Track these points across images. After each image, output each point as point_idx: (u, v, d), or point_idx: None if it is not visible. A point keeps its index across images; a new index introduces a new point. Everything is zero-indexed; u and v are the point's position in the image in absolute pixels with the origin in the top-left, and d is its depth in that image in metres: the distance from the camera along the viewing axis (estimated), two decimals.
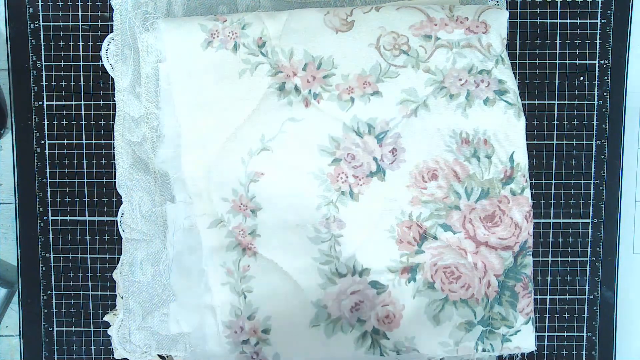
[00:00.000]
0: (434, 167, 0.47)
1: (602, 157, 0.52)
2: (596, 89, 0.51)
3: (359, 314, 0.47)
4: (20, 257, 0.53)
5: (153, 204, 0.50)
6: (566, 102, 0.51)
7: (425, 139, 0.47)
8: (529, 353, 0.51)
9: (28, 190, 0.52)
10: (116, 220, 0.52)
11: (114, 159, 0.51)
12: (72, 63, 0.51)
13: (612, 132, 0.52)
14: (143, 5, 0.49)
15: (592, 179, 0.52)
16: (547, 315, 0.53)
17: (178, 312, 0.49)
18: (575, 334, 0.53)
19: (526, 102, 0.51)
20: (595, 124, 0.52)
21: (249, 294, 0.47)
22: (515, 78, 0.48)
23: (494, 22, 0.46)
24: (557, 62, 0.51)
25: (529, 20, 0.51)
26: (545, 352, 0.53)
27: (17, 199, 0.52)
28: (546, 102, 0.51)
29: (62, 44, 0.51)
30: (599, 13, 0.51)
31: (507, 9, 0.50)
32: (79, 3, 0.51)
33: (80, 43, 0.51)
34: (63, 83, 0.51)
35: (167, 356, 0.51)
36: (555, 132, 0.52)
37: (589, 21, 0.51)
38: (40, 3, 0.51)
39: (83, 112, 0.52)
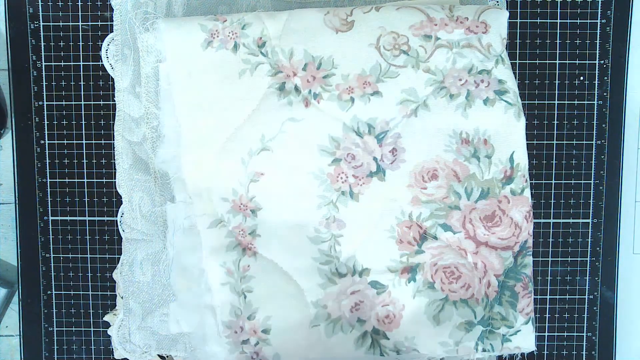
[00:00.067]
0: (434, 167, 0.47)
1: (602, 157, 0.52)
2: (596, 89, 0.51)
3: (359, 314, 0.47)
4: (20, 257, 0.53)
5: (153, 204, 0.50)
6: (566, 102, 0.51)
7: (425, 139, 0.47)
8: (529, 353, 0.51)
9: (28, 190, 0.52)
10: (116, 220, 0.52)
11: (114, 159, 0.51)
12: (72, 63, 0.51)
13: (612, 132, 0.52)
14: (143, 5, 0.49)
15: (592, 179, 0.52)
16: (547, 315, 0.53)
17: (178, 312, 0.49)
18: (575, 334, 0.53)
19: (526, 102, 0.51)
20: (595, 124, 0.52)
21: (249, 294, 0.47)
22: (515, 78, 0.48)
23: (494, 22, 0.46)
24: (557, 62, 0.51)
25: (529, 20, 0.51)
26: (545, 352, 0.53)
27: (17, 199, 0.52)
28: (546, 102, 0.51)
29: (62, 44, 0.51)
30: (599, 13, 0.51)
31: (507, 9, 0.50)
32: (79, 3, 0.51)
33: (80, 43, 0.51)
34: (63, 83, 0.51)
35: (167, 356, 0.51)
36: (555, 132, 0.52)
37: (589, 21, 0.51)
38: (40, 3, 0.51)
39: (83, 112, 0.52)
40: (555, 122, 0.52)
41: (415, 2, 0.48)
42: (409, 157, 0.47)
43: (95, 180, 0.52)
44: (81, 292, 0.53)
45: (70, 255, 0.52)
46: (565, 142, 0.52)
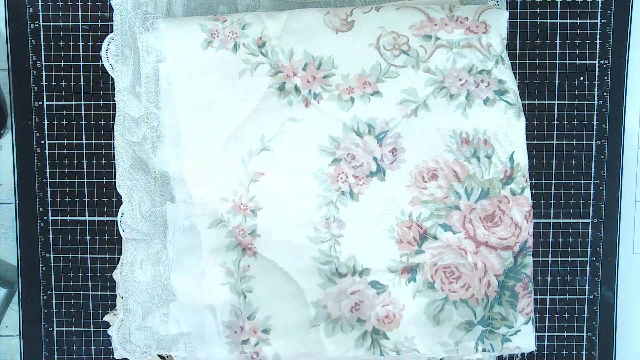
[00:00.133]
0: (434, 167, 0.47)
1: (602, 157, 0.52)
2: (596, 89, 0.51)
3: (359, 314, 0.47)
4: (20, 257, 0.53)
5: (153, 204, 0.50)
6: (566, 102, 0.51)
7: (425, 139, 0.47)
8: (529, 353, 0.51)
9: (28, 190, 0.52)
10: (116, 220, 0.52)
11: (114, 159, 0.51)
12: (72, 63, 0.51)
13: (612, 132, 0.52)
14: (143, 5, 0.49)
15: (592, 179, 0.52)
16: (547, 315, 0.53)
17: (178, 312, 0.49)
18: (575, 334, 0.53)
19: (526, 102, 0.51)
20: (595, 124, 0.52)
21: (249, 294, 0.47)
22: (515, 78, 0.48)
23: (494, 22, 0.46)
24: (557, 62, 0.51)
25: (529, 20, 0.51)
26: (545, 352, 0.53)
27: (17, 199, 0.52)
28: (546, 102, 0.51)
29: (62, 44, 0.51)
30: (599, 13, 0.51)
31: (507, 9, 0.50)
32: (79, 3, 0.51)
33: (80, 43, 0.51)
34: (63, 83, 0.51)
35: (167, 356, 0.51)
36: (555, 132, 0.52)
37: (589, 21, 0.51)
38: (40, 3, 0.51)
39: (83, 112, 0.52)
40: (555, 122, 0.52)
41: (415, 2, 0.48)
42: (409, 157, 0.47)
43: (95, 180, 0.52)
44: (81, 292, 0.53)
45: (70, 255, 0.52)
46: (565, 142, 0.52)
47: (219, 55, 0.47)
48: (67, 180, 0.52)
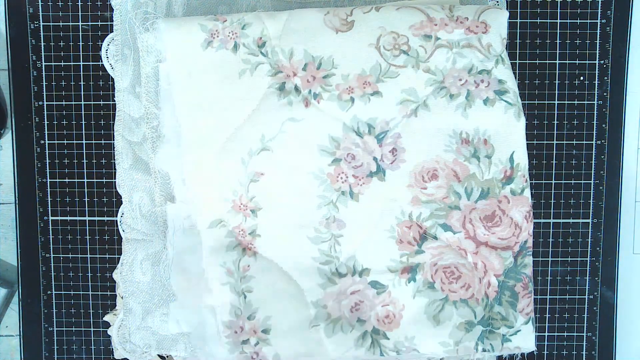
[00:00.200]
0: (434, 167, 0.47)
1: (602, 157, 0.52)
2: (596, 89, 0.51)
3: (359, 314, 0.47)
4: (20, 257, 0.53)
5: (153, 204, 0.50)
6: (566, 102, 0.51)
7: (425, 139, 0.47)
8: (529, 353, 0.51)
9: (28, 190, 0.52)
10: (116, 220, 0.52)
11: (114, 159, 0.51)
12: (72, 63, 0.51)
13: (612, 132, 0.52)
14: (143, 5, 0.49)
15: (592, 179, 0.52)
16: (547, 315, 0.53)
17: (178, 312, 0.49)
18: (575, 334, 0.53)
19: (526, 102, 0.51)
20: (595, 124, 0.52)
21: (249, 294, 0.47)
22: (515, 78, 0.48)
23: (494, 22, 0.46)
24: (557, 62, 0.51)
25: (529, 20, 0.51)
26: (545, 352, 0.53)
27: (17, 199, 0.52)
28: (546, 102, 0.51)
29: (62, 44, 0.51)
30: (599, 13, 0.51)
31: (507, 9, 0.50)
32: (79, 3, 0.51)
33: (80, 43, 0.51)
34: (63, 83, 0.51)
35: (167, 356, 0.51)
36: (555, 132, 0.52)
37: (589, 21, 0.51)
38: (40, 3, 0.51)
39: (83, 112, 0.52)
40: (555, 122, 0.52)
41: (415, 2, 0.48)
42: (409, 157, 0.47)
43: (95, 180, 0.52)
44: (81, 292, 0.53)
45: (70, 255, 0.52)
46: (565, 142, 0.52)
47: (219, 55, 0.47)
48: (67, 180, 0.52)
